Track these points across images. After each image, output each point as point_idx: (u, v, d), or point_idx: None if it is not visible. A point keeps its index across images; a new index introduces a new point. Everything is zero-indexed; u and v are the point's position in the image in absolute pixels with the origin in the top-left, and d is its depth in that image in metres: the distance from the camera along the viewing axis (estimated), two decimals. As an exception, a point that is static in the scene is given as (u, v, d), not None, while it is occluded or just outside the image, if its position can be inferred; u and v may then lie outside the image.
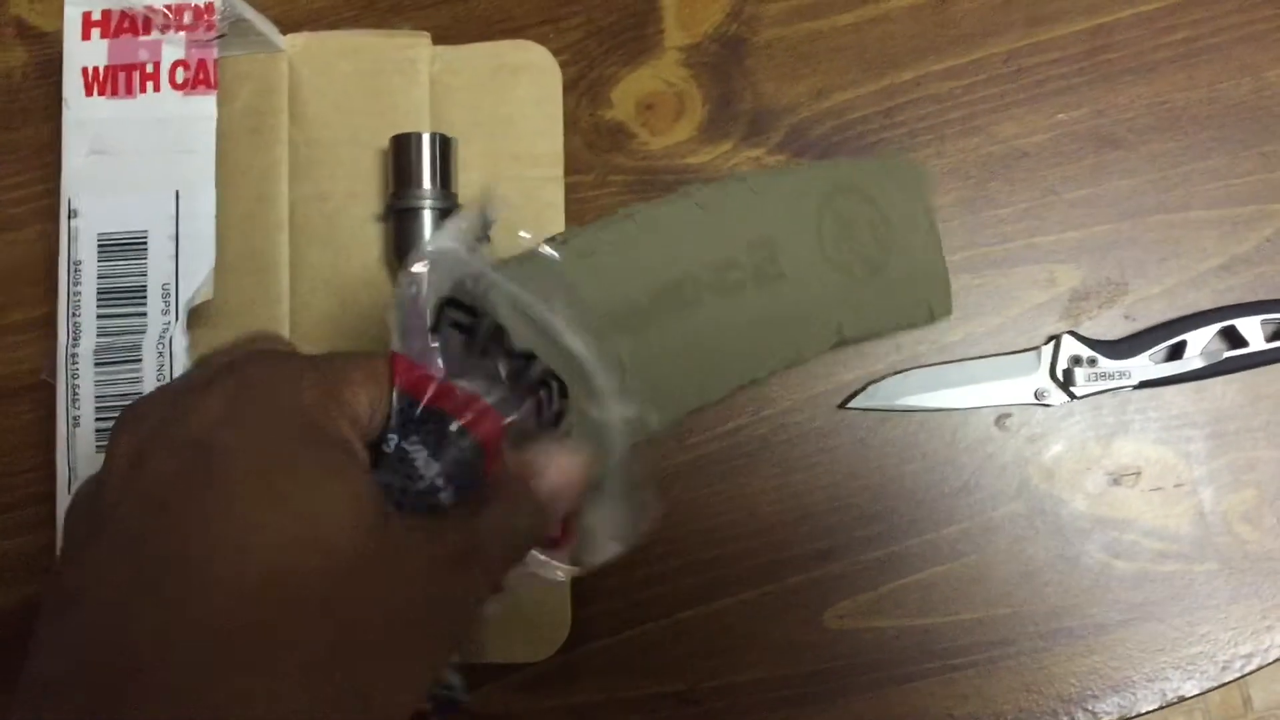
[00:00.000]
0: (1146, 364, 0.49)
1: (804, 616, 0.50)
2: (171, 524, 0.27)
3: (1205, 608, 0.49)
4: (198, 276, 0.48)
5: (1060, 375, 0.49)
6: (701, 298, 0.43)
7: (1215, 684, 0.48)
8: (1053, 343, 0.49)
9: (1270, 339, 0.49)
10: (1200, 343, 0.48)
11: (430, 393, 0.33)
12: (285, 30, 0.52)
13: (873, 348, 0.51)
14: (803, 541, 0.50)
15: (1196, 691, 0.48)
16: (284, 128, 0.52)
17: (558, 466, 0.35)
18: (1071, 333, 0.49)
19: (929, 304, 0.48)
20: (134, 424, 0.30)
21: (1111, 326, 0.50)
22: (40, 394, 0.51)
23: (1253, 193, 0.51)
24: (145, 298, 0.48)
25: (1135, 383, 0.49)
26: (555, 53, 0.52)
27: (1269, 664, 0.48)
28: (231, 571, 0.27)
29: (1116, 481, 0.49)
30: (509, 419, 0.35)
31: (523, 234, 0.39)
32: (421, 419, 0.33)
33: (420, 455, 0.32)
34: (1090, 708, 0.48)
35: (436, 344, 0.34)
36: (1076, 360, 0.49)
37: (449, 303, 0.35)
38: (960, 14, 0.52)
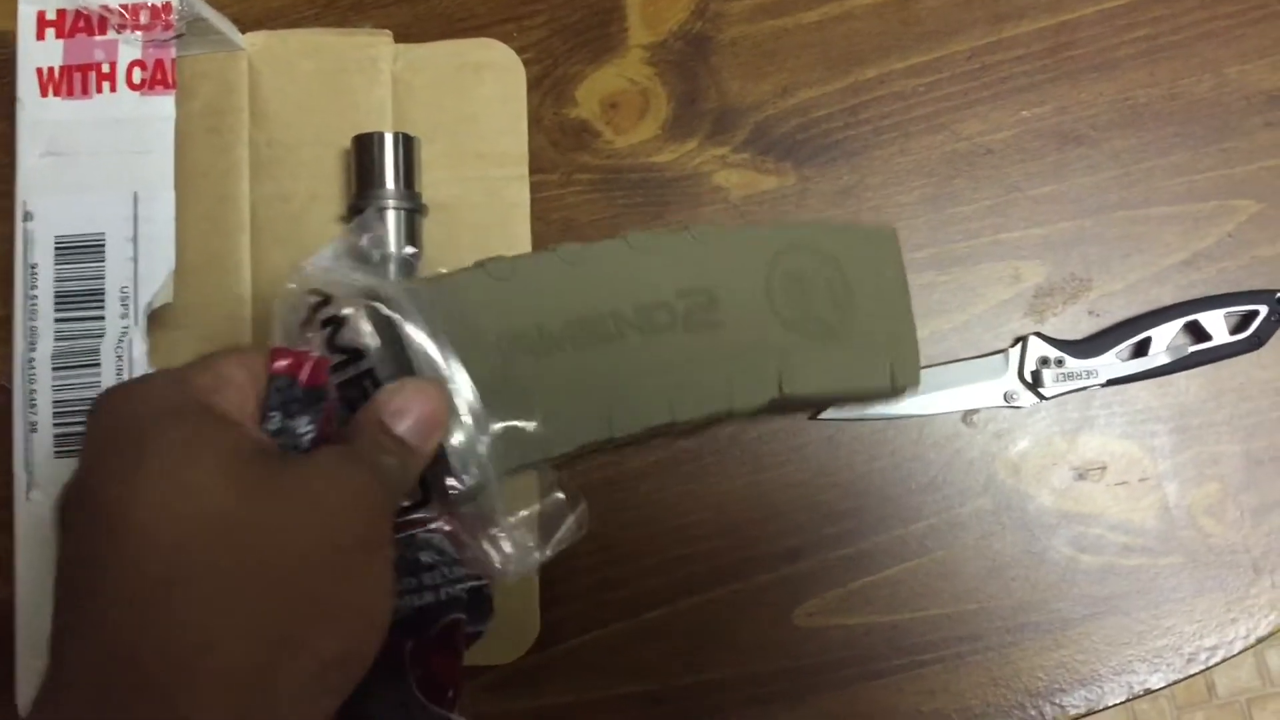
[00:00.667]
0: (1113, 362, 0.49)
1: (773, 615, 0.50)
2: (94, 510, 0.31)
3: (1170, 601, 0.49)
4: (157, 279, 0.47)
5: (1029, 377, 0.49)
6: (624, 334, 0.44)
7: (1181, 676, 0.48)
8: (1020, 344, 0.50)
9: (1233, 332, 0.49)
10: (1165, 338, 0.49)
11: (305, 373, 0.36)
12: (244, 29, 0.52)
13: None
14: (771, 540, 0.50)
15: (1162, 684, 0.48)
16: (244, 128, 0.51)
17: (406, 397, 0.37)
18: (1038, 334, 0.50)
19: (891, 372, 0.47)
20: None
21: (1076, 322, 0.50)
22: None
23: (1214, 188, 0.51)
24: (103, 301, 0.47)
25: (1102, 381, 0.49)
26: (519, 51, 0.52)
27: (1233, 655, 0.48)
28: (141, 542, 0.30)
29: (1082, 476, 0.50)
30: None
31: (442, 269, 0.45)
32: (300, 397, 0.36)
33: (300, 423, 0.36)
34: (1058, 701, 0.49)
35: (310, 335, 0.38)
36: (1044, 361, 0.49)
37: (321, 305, 0.38)
38: (924, 11, 0.52)
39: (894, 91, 0.52)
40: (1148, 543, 0.49)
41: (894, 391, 0.47)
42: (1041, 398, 0.49)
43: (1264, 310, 0.49)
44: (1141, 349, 0.49)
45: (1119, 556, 0.49)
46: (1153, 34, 0.52)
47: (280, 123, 0.51)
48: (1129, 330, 0.49)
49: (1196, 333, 0.49)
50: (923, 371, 0.49)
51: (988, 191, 0.51)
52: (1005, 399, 0.49)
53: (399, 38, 0.52)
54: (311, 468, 0.34)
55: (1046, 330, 0.50)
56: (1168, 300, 0.50)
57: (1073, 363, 0.49)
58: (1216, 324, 0.49)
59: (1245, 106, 0.51)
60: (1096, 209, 0.51)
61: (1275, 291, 0.50)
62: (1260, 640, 0.49)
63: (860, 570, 0.50)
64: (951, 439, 0.50)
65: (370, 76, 0.52)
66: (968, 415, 0.50)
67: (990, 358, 0.50)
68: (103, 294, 0.47)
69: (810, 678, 0.49)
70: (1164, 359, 0.49)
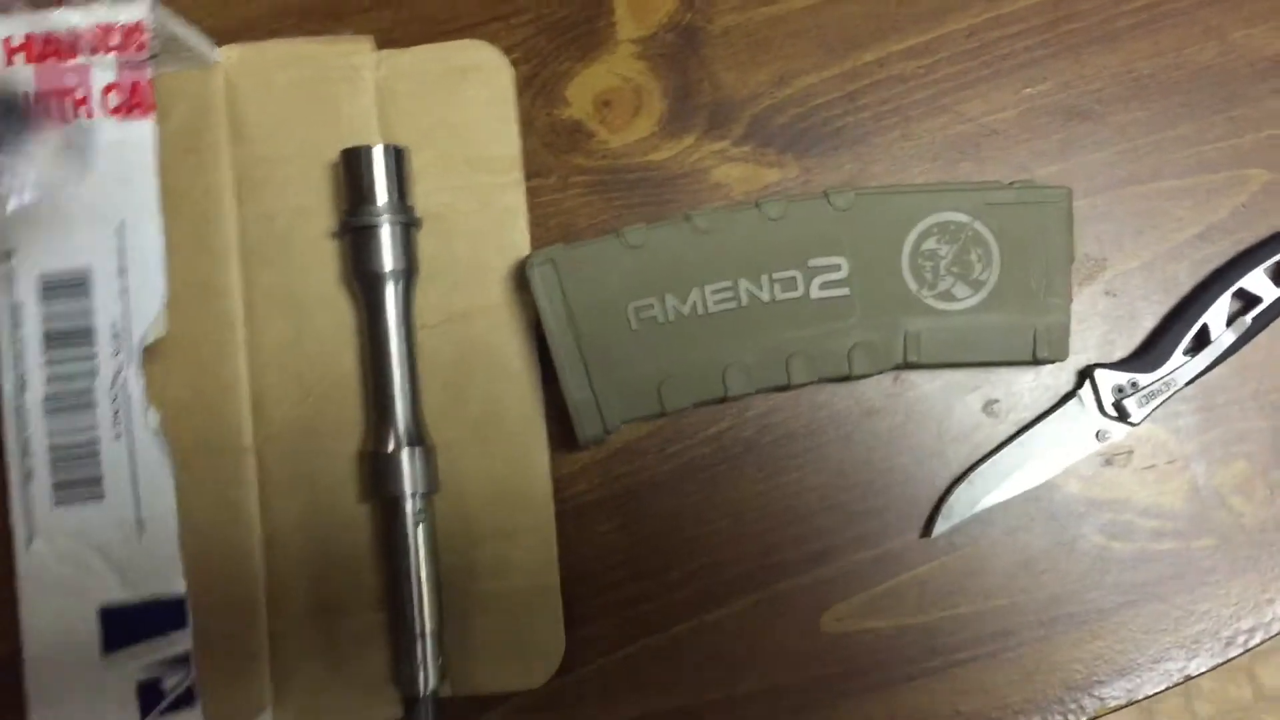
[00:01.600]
0: (1183, 360, 0.47)
1: (801, 622, 0.48)
2: None
3: (1205, 584, 0.48)
4: (149, 312, 0.45)
5: (1112, 410, 0.48)
6: (748, 302, 0.47)
7: (1220, 660, 0.47)
8: (1086, 382, 0.48)
9: (1276, 279, 0.48)
10: (1220, 317, 0.47)
11: None
12: (219, 42, 0.49)
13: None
14: (794, 545, 0.49)
15: (1202, 669, 0.47)
16: (224, 146, 0.49)
17: None
18: (1098, 365, 0.48)
19: (1035, 341, 0.46)
20: None
21: (1094, 303, 0.49)
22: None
23: (1224, 159, 0.50)
24: (94, 340, 0.45)
25: (1182, 384, 0.48)
26: (505, 51, 0.50)
27: (1271, 637, 0.47)
28: None
29: (1109, 462, 0.49)
30: None
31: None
32: None
33: None
34: (1097, 694, 0.48)
35: None
36: (1120, 390, 0.47)
37: None
38: (920, -9, 0.51)
39: (893, 75, 0.50)
40: (1179, 526, 0.48)
41: (1036, 362, 0.47)
42: (1132, 425, 0.48)
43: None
44: (1201, 335, 0.48)
45: (1150, 542, 0.48)
46: (1153, 2, 0.50)
47: (262, 138, 0.49)
48: (1182, 323, 0.47)
49: (1245, 299, 0.48)
50: (1008, 451, 0.48)
51: (995, 173, 0.50)
52: (1099, 438, 0.48)
53: (381, 43, 0.50)
54: None
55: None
56: (1183, 277, 0.49)
57: (1145, 379, 0.47)
58: (1261, 284, 0.48)
59: (1251, 73, 0.50)
60: (1106, 186, 0.50)
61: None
62: (1298, 618, 0.48)
63: (887, 572, 0.48)
64: (972, 431, 0.49)
65: (353, 85, 0.50)
66: (989, 405, 0.49)
67: (1064, 407, 0.48)
68: (93, 332, 0.45)
69: (843, 684, 0.48)
70: (1231, 338, 0.47)
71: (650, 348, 0.47)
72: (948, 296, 0.46)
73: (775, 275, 0.47)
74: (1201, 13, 0.50)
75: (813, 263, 0.46)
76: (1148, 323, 0.49)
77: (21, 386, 0.45)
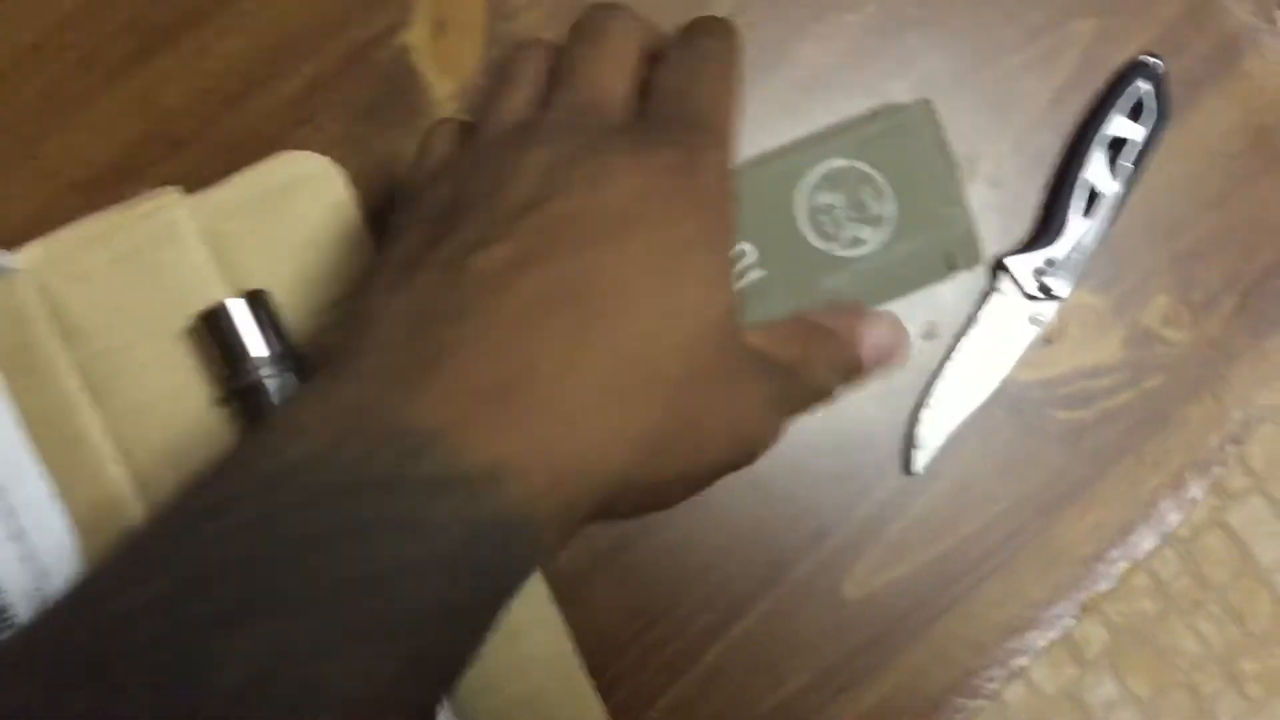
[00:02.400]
0: (1083, 223, 0.48)
1: (823, 599, 0.48)
2: (600, 258, 0.32)
3: (1170, 420, 0.50)
4: (64, 564, 0.41)
5: (1039, 293, 0.48)
6: None
7: (1210, 480, 0.49)
8: (1004, 274, 0.48)
9: (1138, 119, 0.49)
10: (1101, 171, 0.48)
11: None
12: (11, 246, 0.44)
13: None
14: (790, 530, 0.48)
15: (1197, 496, 0.49)
16: (59, 353, 0.44)
17: (878, 332, 0.42)
18: (1009, 254, 0.49)
19: (946, 256, 0.45)
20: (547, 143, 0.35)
21: (984, 198, 0.49)
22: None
23: (1049, 21, 0.50)
24: (12, 616, 0.40)
25: (1094, 245, 0.48)
26: (324, 151, 0.46)
27: (1262, 422, 0.49)
28: (641, 328, 0.32)
29: (1049, 341, 0.49)
30: None
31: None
32: None
33: None
34: (1109, 557, 0.49)
35: None
36: (1039, 271, 0.48)
37: None
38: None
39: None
40: (1127, 376, 0.50)
41: (952, 272, 0.46)
42: (1061, 300, 0.48)
43: (1145, 85, 0.49)
44: (1092, 196, 0.48)
45: (1107, 399, 0.49)
46: (932, -110, 0.50)
47: (98, 331, 0.45)
48: (1068, 189, 0.48)
49: (1115, 146, 0.49)
50: (958, 359, 0.49)
51: (850, 108, 0.49)
52: (1033, 322, 0.48)
53: (190, 189, 0.46)
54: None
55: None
56: (1053, 142, 0.50)
57: (1057, 253, 0.48)
58: (1124, 127, 0.48)
59: (1042, -72, 0.51)
60: (955, 84, 0.50)
61: (1138, 62, 0.49)
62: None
63: (885, 520, 0.48)
64: (918, 360, 0.49)
65: (177, 242, 0.45)
66: (928, 329, 0.49)
67: (990, 304, 0.49)
68: (8, 610, 0.40)
69: (885, 641, 0.48)
70: (1118, 187, 0.48)
71: None
72: (855, 243, 0.45)
73: None
74: (978, -114, 0.50)
75: None
76: (1036, 200, 0.50)
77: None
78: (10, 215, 0.46)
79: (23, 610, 0.41)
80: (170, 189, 0.45)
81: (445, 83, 0.48)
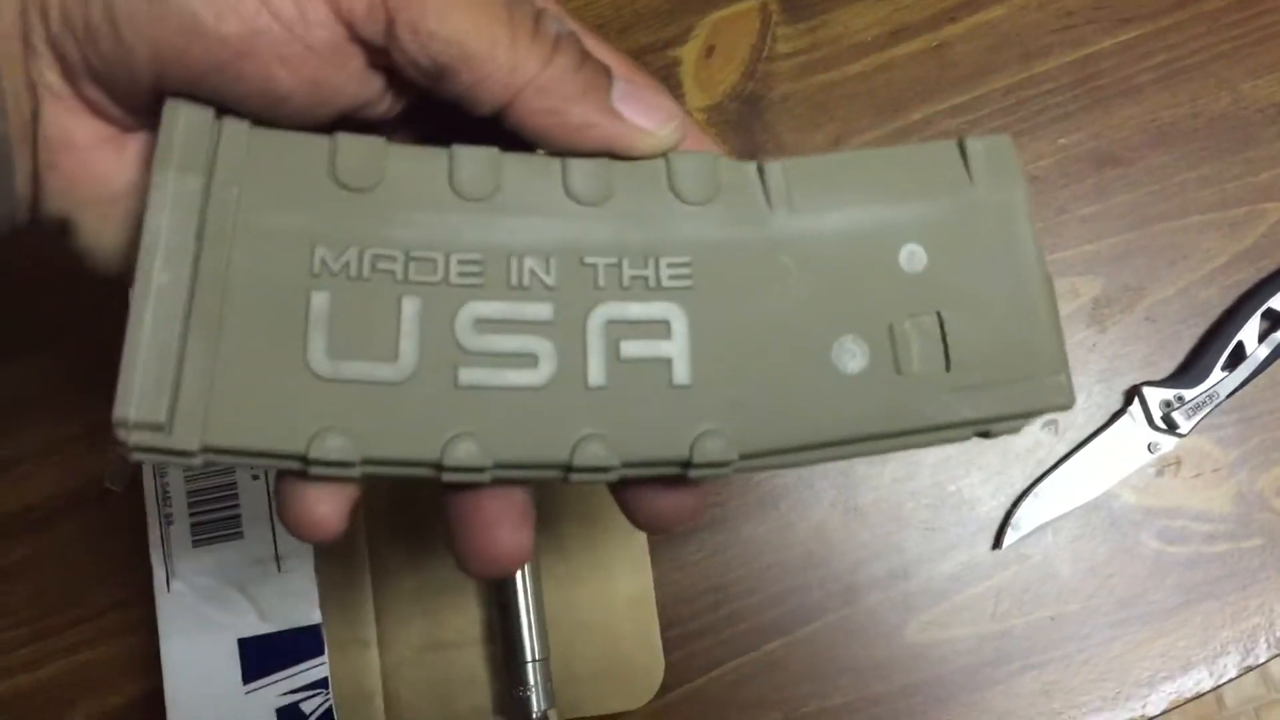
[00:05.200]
0: (1221, 375, 0.52)
1: (886, 633, 0.52)
2: None
3: (1257, 581, 0.52)
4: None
5: (1163, 424, 0.52)
6: None
7: (1278, 651, 0.51)
8: (1136, 399, 0.53)
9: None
10: (1252, 335, 0.52)
11: None
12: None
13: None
14: (874, 562, 0.52)
15: (1261, 660, 0.51)
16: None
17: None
18: (1145, 384, 0.53)
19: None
20: None
21: (1136, 330, 0.54)
22: (106, 503, 0.51)
23: (1243, 195, 0.55)
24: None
25: (1224, 397, 0.52)
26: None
27: (1323, 626, 0.51)
28: None
29: (1160, 472, 0.53)
30: None
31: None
32: None
33: None
34: (1163, 689, 0.51)
35: None
36: (1167, 405, 0.52)
37: None
38: (958, 56, 0.56)
39: (939, 130, 0.55)
40: (1228, 528, 0.52)
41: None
42: (1180, 436, 0.52)
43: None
44: (1238, 352, 0.52)
45: (1203, 544, 0.52)
46: (1169, 59, 0.56)
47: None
48: (1218, 342, 0.52)
49: (1272, 318, 0.53)
50: (1068, 465, 0.52)
51: (1038, 215, 0.54)
52: (1150, 450, 0.52)
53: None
54: None
55: (1109, 341, 0.53)
56: (1215, 302, 0.54)
57: (1189, 393, 0.52)
58: (1285, 305, 0.53)
59: (1261, 118, 0.55)
60: (1139, 223, 0.55)
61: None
62: (1344, 609, 0.52)
63: (963, 583, 0.52)
64: (1034, 449, 0.53)
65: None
66: (1047, 425, 0.53)
67: (1117, 423, 0.53)
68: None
69: (930, 691, 0.51)
70: (1264, 352, 0.52)
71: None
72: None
73: None
74: (1213, 66, 0.56)
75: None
76: (1186, 343, 0.54)
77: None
78: None
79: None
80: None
81: (700, 98, 0.56)
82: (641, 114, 0.29)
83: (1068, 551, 0.52)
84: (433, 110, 0.30)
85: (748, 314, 0.29)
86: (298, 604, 0.47)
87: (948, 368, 0.29)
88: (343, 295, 0.27)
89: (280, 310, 0.27)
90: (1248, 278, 0.54)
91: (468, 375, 0.28)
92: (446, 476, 0.28)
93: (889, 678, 0.51)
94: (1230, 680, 0.51)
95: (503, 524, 0.29)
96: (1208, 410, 0.52)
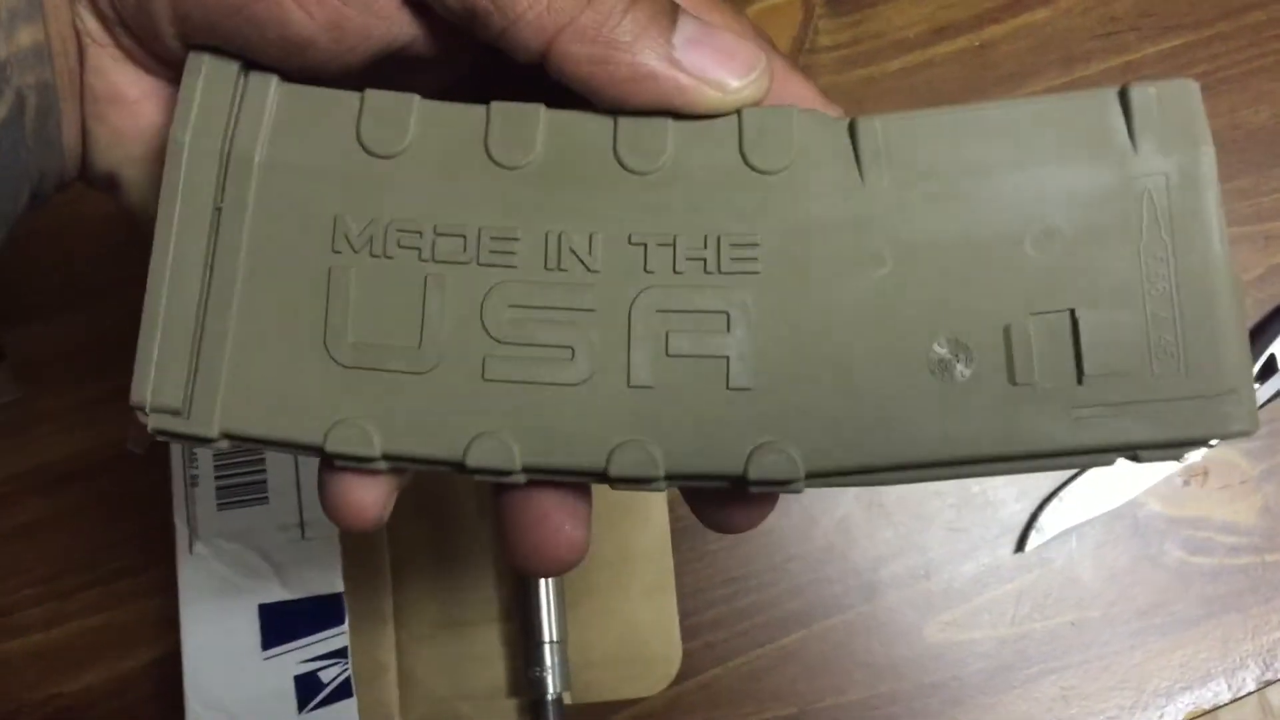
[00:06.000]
0: (1255, 385, 0.52)
1: (905, 632, 0.51)
2: None
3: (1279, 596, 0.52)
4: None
5: None
6: None
7: (1293, 669, 0.51)
8: None
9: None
10: None
11: None
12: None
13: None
14: (896, 560, 0.52)
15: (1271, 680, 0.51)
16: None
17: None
18: None
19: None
20: None
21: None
22: (127, 466, 0.51)
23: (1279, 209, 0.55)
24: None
25: (1260, 408, 0.52)
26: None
27: (1345, 644, 0.51)
28: None
29: (1187, 482, 0.52)
30: None
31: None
32: None
33: None
34: (1182, 700, 0.51)
35: None
36: None
37: None
38: (1000, 57, 0.56)
39: (977, 132, 0.55)
40: (1253, 541, 0.52)
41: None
42: (1209, 447, 0.52)
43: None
44: (1269, 365, 0.52)
45: (1227, 556, 0.52)
46: (1210, 70, 0.56)
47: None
48: (1251, 354, 0.52)
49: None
50: (1091, 470, 0.51)
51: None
52: (1178, 460, 0.52)
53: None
54: None
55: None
56: (1249, 314, 0.54)
57: None
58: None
59: (1300, 133, 0.55)
60: (1174, 233, 0.54)
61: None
62: (1366, 628, 0.51)
63: (985, 585, 0.52)
64: (1061, 453, 0.53)
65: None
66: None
67: None
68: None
69: (947, 692, 0.51)
70: None
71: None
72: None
73: None
74: (1254, 79, 0.56)
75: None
76: (1218, 355, 0.53)
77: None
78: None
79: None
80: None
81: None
82: (712, 63, 0.25)
83: (1091, 558, 0.52)
84: (500, 68, 0.27)
85: (825, 307, 0.25)
86: (321, 572, 0.47)
87: (1079, 379, 0.24)
88: (365, 274, 0.25)
89: (299, 289, 0.25)
90: (1282, 291, 0.54)
91: (496, 368, 0.25)
92: (474, 476, 0.26)
93: (906, 676, 0.51)
94: (1244, 696, 0.50)
95: (555, 519, 0.27)
96: (1238, 422, 0.51)
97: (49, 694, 0.50)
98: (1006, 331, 0.24)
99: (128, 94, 0.28)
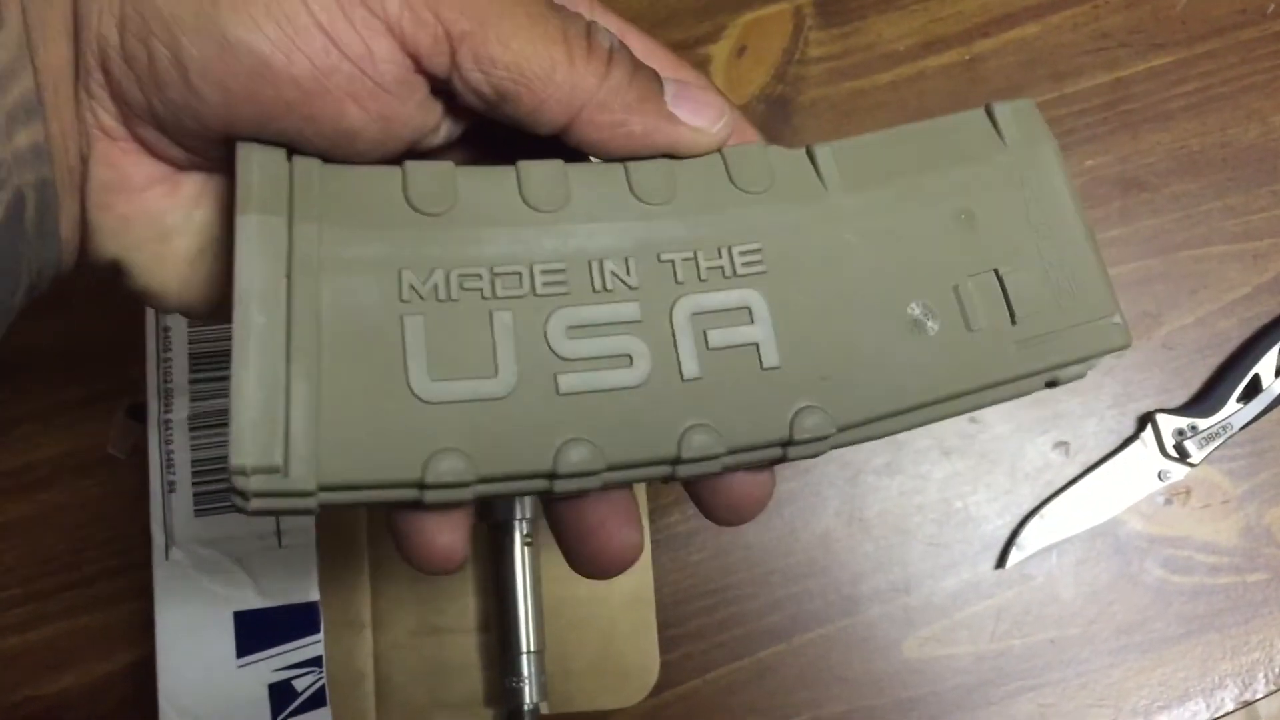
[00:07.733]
0: (1237, 407, 0.52)
1: (884, 647, 0.51)
2: None
3: (1259, 616, 0.52)
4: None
5: (1174, 452, 0.52)
6: None
7: (1275, 688, 0.51)
8: (1149, 426, 0.52)
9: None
10: (1269, 368, 0.52)
11: None
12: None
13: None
14: (877, 574, 0.52)
15: (1258, 696, 0.51)
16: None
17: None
18: (1159, 411, 0.52)
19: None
20: None
21: (1153, 356, 0.53)
22: (108, 469, 0.51)
23: (1268, 227, 0.55)
24: (234, 361, 0.48)
25: (1238, 429, 0.52)
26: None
27: (1323, 666, 0.51)
28: None
29: (1169, 501, 0.52)
30: None
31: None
32: None
33: None
34: (1158, 717, 0.51)
35: None
36: (1180, 433, 0.52)
37: None
38: (990, 71, 0.56)
39: (965, 146, 0.55)
40: (1234, 561, 0.52)
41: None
42: (1192, 465, 0.52)
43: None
44: (1254, 385, 0.52)
45: (1208, 576, 0.52)
46: (1201, 87, 0.56)
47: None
48: (1235, 373, 0.52)
49: (1290, 355, 0.53)
50: (1075, 489, 0.52)
51: (1059, 236, 0.54)
52: (1160, 478, 0.52)
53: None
54: None
55: (1125, 366, 0.53)
56: (1234, 333, 0.54)
57: (1203, 423, 0.51)
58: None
59: (1290, 152, 0.55)
60: (1161, 250, 0.54)
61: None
62: (1345, 650, 0.51)
63: (964, 600, 0.52)
64: (1043, 470, 0.53)
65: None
66: (1058, 445, 0.53)
67: (1128, 449, 0.52)
68: (232, 354, 0.48)
69: (925, 707, 0.51)
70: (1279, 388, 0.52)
71: None
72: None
73: None
74: (1244, 98, 0.56)
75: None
76: (1202, 373, 0.53)
77: (168, 404, 0.48)
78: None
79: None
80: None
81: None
82: (695, 114, 0.30)
83: (1071, 575, 0.52)
84: (481, 131, 0.30)
85: (822, 291, 0.30)
86: (297, 580, 0.47)
87: (1013, 321, 0.31)
88: (435, 317, 0.28)
89: (376, 339, 0.27)
90: (1268, 310, 0.54)
91: (568, 381, 0.28)
92: (560, 485, 0.28)
93: (884, 691, 0.51)
94: (1222, 717, 0.50)
95: (613, 524, 0.30)
96: (1220, 441, 0.51)
97: (25, 696, 0.50)
98: (956, 291, 0.31)
99: (134, 181, 0.28)
